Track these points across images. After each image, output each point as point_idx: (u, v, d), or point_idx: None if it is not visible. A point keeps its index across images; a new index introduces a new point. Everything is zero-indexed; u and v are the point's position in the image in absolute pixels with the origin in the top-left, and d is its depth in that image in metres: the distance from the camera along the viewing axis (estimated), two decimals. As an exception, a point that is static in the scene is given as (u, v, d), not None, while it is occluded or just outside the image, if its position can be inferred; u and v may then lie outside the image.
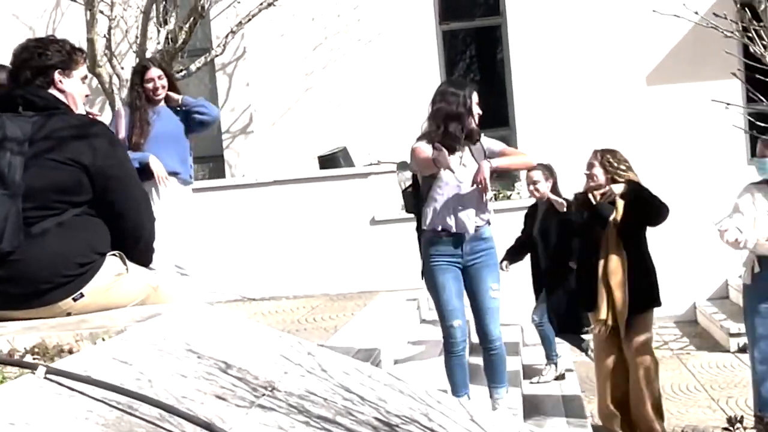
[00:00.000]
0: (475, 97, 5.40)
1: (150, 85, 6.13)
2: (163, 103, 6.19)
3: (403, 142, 8.06)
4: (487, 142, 5.49)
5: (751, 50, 5.07)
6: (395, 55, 10.66)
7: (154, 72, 6.21)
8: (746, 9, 5.44)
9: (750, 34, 4.63)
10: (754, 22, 4.93)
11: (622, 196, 5.91)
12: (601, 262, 5.94)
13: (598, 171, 5.97)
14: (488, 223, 5.45)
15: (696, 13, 5.03)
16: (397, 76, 10.52)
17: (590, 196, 6.05)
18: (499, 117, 10.49)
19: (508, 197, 9.89)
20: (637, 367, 6.10)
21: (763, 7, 4.68)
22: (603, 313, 5.95)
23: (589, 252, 6.07)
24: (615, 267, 5.92)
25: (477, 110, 5.39)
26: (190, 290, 5.59)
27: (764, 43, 3.17)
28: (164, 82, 6.19)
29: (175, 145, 6.12)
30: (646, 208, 5.94)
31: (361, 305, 7.27)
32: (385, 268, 8.10)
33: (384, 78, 10.57)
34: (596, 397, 6.38)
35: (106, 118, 6.68)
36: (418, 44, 10.84)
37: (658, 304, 6.12)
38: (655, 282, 6.07)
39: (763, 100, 5.15)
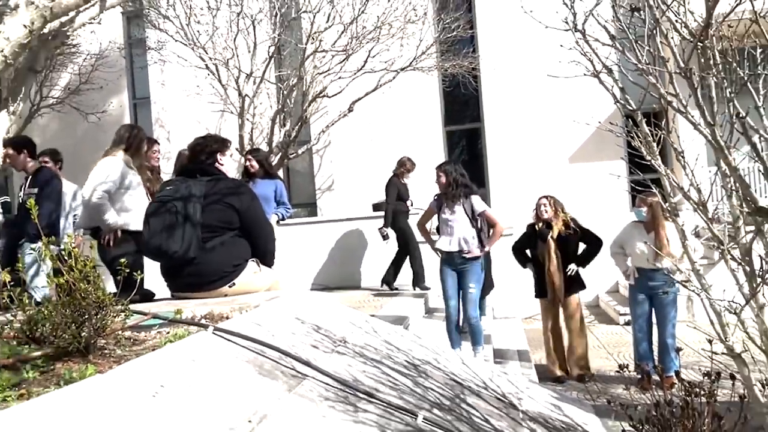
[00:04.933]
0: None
1: (247, 164, 6.21)
2: (261, 176, 6.17)
3: (422, 196, 8.12)
4: (476, 201, 5.43)
5: (632, 144, 5.10)
6: (419, 146, 10.71)
7: (248, 156, 6.31)
8: (629, 118, 5.48)
9: (632, 134, 4.65)
10: (634, 127, 4.97)
11: (565, 225, 5.96)
12: (547, 263, 5.98)
13: (550, 208, 6.04)
14: (476, 248, 5.34)
15: (599, 122, 5.06)
16: (419, 158, 10.48)
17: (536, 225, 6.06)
18: (480, 182, 10.50)
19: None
20: (571, 328, 6.08)
21: (639, 118, 4.69)
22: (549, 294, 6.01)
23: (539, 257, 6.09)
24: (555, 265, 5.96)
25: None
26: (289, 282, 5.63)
27: (639, 139, 3.18)
28: (254, 163, 6.18)
29: (266, 204, 5.92)
30: (589, 241, 5.99)
31: (396, 293, 7.21)
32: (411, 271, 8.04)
33: (411, 157, 10.62)
34: (544, 349, 6.26)
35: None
36: (431, 139, 10.90)
37: (583, 287, 6.15)
38: (579, 276, 6.08)
39: (639, 173, 5.15)
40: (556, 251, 5.95)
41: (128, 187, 4.18)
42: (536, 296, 6.21)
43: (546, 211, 6.01)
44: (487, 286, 6.54)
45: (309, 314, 3.14)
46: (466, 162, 11.13)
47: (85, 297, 2.03)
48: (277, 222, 6.14)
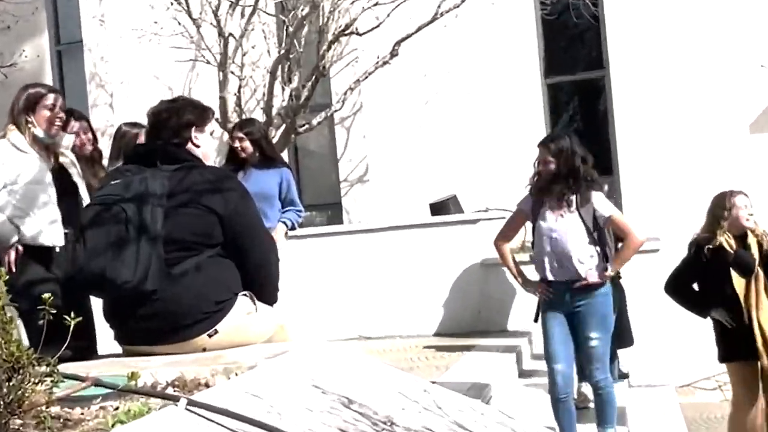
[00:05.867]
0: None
1: (236, 145, 6.22)
2: (257, 164, 6.21)
3: (509, 190, 8.06)
4: (598, 199, 5.32)
5: None
6: (502, 108, 10.68)
7: (236, 133, 6.30)
8: None
9: None
10: None
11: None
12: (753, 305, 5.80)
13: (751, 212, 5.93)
14: (597, 273, 5.25)
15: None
16: (504, 128, 10.53)
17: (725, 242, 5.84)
18: (602, 166, 10.34)
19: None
20: None
21: None
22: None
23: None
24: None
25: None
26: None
27: None
28: (246, 143, 6.19)
29: (265, 205, 5.90)
30: None
31: (471, 345, 7.17)
32: (495, 310, 7.98)
33: (492, 129, 10.60)
34: None
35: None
36: (524, 97, 10.88)
37: None
38: None
39: None
40: (765, 285, 5.80)
41: (18, 182, 4.35)
42: (725, 359, 6.04)
43: (750, 215, 5.85)
44: (623, 338, 6.42)
45: (333, 380, 3.13)
46: (581, 133, 10.98)
47: (-9, 354, 2.05)
48: (285, 233, 6.19)
